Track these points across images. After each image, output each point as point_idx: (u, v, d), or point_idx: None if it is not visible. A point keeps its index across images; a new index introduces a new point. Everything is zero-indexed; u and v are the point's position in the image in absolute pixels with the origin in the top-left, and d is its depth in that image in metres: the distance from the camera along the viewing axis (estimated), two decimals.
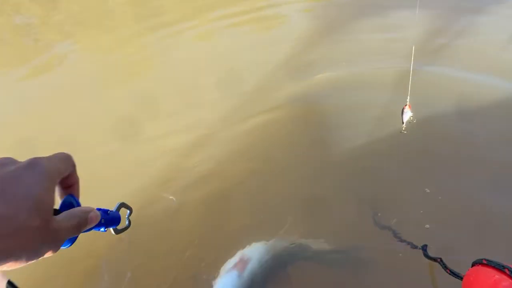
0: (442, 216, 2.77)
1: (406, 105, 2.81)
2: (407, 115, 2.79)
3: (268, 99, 4.07)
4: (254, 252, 2.56)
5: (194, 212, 3.05)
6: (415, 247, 2.48)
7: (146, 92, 4.49)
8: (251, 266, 2.46)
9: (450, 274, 1.99)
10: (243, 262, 2.46)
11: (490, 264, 1.53)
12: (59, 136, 3.92)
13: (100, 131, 3.96)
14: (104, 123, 4.04)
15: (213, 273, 2.50)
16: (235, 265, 2.46)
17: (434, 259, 2.25)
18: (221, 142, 3.65)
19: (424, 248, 2.42)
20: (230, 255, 2.60)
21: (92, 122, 4.09)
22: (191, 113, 4.05)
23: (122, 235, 0.93)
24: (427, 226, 2.67)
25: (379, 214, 2.78)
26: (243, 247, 2.63)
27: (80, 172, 0.85)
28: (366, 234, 2.77)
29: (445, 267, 2.08)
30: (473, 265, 1.70)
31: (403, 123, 2.79)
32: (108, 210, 0.88)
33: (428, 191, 2.95)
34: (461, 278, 1.84)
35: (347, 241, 2.74)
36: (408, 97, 2.79)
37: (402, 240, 2.59)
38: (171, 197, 3.13)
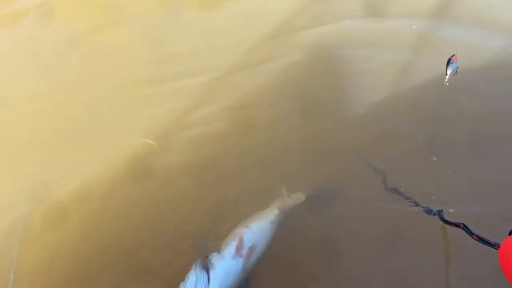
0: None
1: (452, 56, 2.60)
2: (453, 66, 2.59)
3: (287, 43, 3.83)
4: (259, 237, 2.34)
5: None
6: (429, 211, 2.29)
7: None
8: (257, 253, 2.29)
9: (477, 240, 1.83)
10: (248, 249, 2.26)
11: None
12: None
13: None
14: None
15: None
16: (239, 249, 2.24)
17: (456, 225, 2.06)
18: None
19: (440, 213, 2.23)
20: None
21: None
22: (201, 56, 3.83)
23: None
24: (451, 210, 2.43)
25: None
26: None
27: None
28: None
29: (470, 233, 1.91)
30: (511, 233, 1.61)
31: (446, 74, 2.59)
32: None
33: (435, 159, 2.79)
34: (492, 245, 1.74)
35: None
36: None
37: (415, 204, 2.39)
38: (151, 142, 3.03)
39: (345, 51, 3.63)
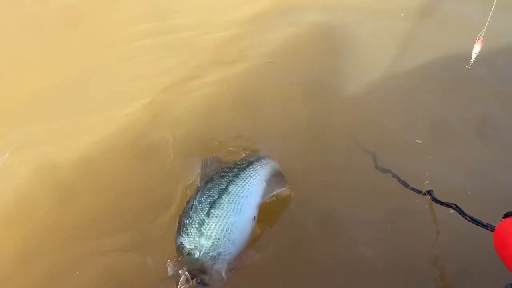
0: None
1: (478, 39, 2.54)
2: (476, 49, 2.54)
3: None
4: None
5: None
6: (419, 192, 2.30)
7: None
8: None
9: (470, 221, 1.90)
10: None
11: None
12: None
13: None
14: None
15: None
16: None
17: (448, 205, 2.09)
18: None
19: (431, 192, 2.25)
20: None
21: None
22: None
23: None
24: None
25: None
26: None
27: None
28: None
29: (463, 213, 1.96)
30: (505, 216, 1.65)
31: (472, 57, 2.55)
32: None
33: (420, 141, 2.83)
34: (485, 226, 1.80)
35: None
36: (484, 31, 2.50)
37: (405, 184, 2.40)
38: None
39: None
